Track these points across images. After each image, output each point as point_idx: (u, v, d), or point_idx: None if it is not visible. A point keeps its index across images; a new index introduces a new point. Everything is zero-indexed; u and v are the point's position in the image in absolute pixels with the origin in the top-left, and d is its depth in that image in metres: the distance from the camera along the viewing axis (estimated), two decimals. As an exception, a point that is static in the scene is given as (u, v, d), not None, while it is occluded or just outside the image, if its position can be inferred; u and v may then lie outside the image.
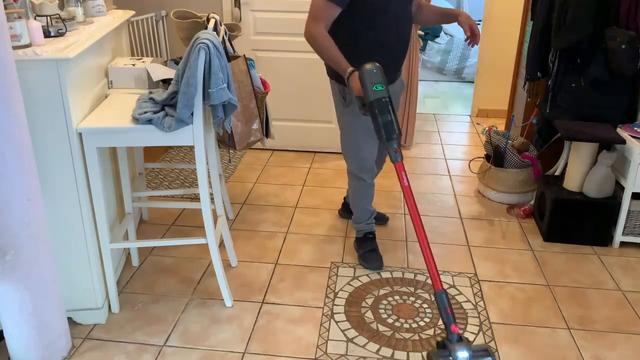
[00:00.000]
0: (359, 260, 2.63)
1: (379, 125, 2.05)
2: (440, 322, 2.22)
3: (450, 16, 2.51)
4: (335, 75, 2.38)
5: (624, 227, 2.74)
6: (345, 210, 2.99)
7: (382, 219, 2.98)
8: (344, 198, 3.03)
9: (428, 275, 2.53)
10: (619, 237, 2.77)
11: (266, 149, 3.98)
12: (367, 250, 2.63)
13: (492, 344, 2.10)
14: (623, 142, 2.63)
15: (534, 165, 3.20)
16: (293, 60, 3.78)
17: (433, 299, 2.37)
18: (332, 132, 3.93)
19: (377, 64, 2.05)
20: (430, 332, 2.16)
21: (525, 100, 3.58)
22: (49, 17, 2.02)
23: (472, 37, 2.39)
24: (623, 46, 2.58)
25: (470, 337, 2.14)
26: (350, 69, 2.14)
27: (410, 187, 2.01)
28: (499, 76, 4.70)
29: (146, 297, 2.36)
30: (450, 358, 1.85)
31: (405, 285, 2.47)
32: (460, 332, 1.93)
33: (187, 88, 1.94)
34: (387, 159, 2.66)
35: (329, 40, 2.20)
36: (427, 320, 2.23)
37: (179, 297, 2.37)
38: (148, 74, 2.35)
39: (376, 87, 2.02)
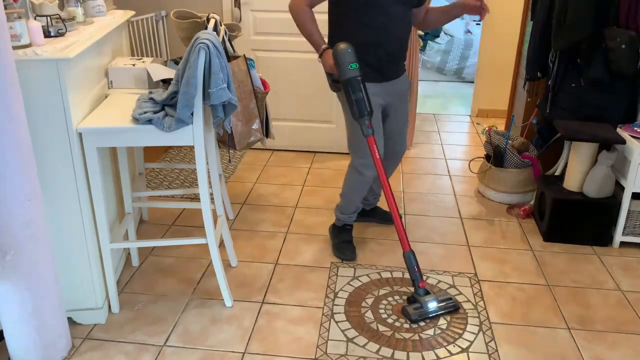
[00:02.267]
0: (333, 249, 2.68)
1: (352, 102, 2.19)
2: (441, 321, 2.22)
3: (454, 8, 2.41)
4: None
5: (624, 227, 2.74)
6: (360, 214, 2.86)
7: (389, 219, 2.96)
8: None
9: (428, 275, 2.53)
10: (619, 237, 2.77)
11: (266, 149, 3.98)
12: (343, 241, 2.68)
13: (492, 344, 2.10)
14: (623, 142, 2.63)
15: (534, 165, 3.20)
16: (293, 60, 3.78)
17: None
18: (332, 132, 3.93)
19: (351, 45, 2.17)
20: (430, 332, 2.16)
21: (525, 100, 3.58)
22: (49, 17, 2.02)
23: (481, 11, 2.30)
24: (623, 46, 2.58)
25: (470, 337, 2.14)
26: (325, 45, 2.28)
27: (380, 160, 2.29)
28: (499, 76, 4.70)
29: (146, 297, 2.36)
30: (422, 309, 2.21)
31: (405, 285, 2.47)
32: (427, 287, 2.27)
33: (187, 88, 1.94)
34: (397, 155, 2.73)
35: (310, 15, 2.31)
36: (427, 320, 2.23)
37: (179, 297, 2.37)
38: (148, 74, 2.35)
39: (350, 66, 2.15)
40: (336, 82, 2.34)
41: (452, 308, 2.26)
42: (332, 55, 2.19)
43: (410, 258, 2.28)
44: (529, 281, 2.51)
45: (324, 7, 3.72)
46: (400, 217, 2.30)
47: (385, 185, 2.31)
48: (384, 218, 2.98)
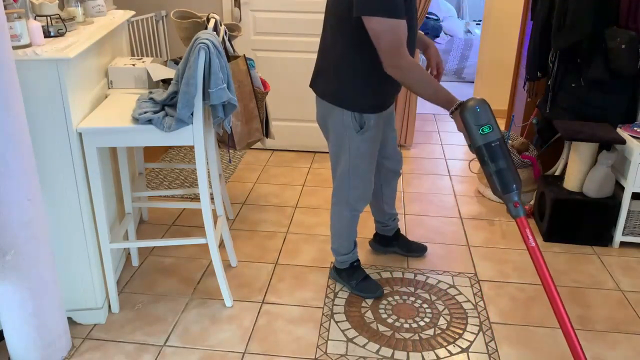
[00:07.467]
0: (356, 292, 2.38)
1: (490, 174, 1.74)
2: (441, 321, 2.22)
3: (420, 43, 2.30)
4: (343, 102, 2.08)
5: (624, 227, 2.74)
6: (379, 243, 2.70)
7: (414, 250, 2.68)
8: (376, 229, 2.68)
9: (428, 275, 2.53)
10: (619, 237, 2.77)
11: (266, 149, 3.98)
12: (361, 280, 2.39)
13: (492, 344, 2.10)
14: (623, 142, 2.63)
15: (534, 165, 3.20)
16: (293, 60, 3.78)
17: (433, 299, 2.37)
18: (332, 132, 3.93)
19: (481, 99, 1.74)
20: (430, 332, 2.16)
21: (525, 100, 3.58)
22: (49, 17, 2.02)
23: (437, 75, 2.23)
24: (623, 46, 2.58)
25: (470, 337, 2.14)
26: (459, 101, 1.82)
27: (538, 249, 1.64)
28: (499, 76, 4.70)
29: (146, 297, 2.36)
30: None
31: (405, 285, 2.47)
32: None
33: (187, 88, 1.94)
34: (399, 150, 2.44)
35: (424, 69, 1.90)
36: (427, 320, 2.23)
37: (179, 297, 2.37)
38: (148, 74, 2.35)
39: (482, 130, 1.71)
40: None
41: None
42: (460, 117, 1.76)
43: None
44: (529, 281, 2.51)
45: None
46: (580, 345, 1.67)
47: (557, 303, 1.65)
48: (410, 248, 2.66)
